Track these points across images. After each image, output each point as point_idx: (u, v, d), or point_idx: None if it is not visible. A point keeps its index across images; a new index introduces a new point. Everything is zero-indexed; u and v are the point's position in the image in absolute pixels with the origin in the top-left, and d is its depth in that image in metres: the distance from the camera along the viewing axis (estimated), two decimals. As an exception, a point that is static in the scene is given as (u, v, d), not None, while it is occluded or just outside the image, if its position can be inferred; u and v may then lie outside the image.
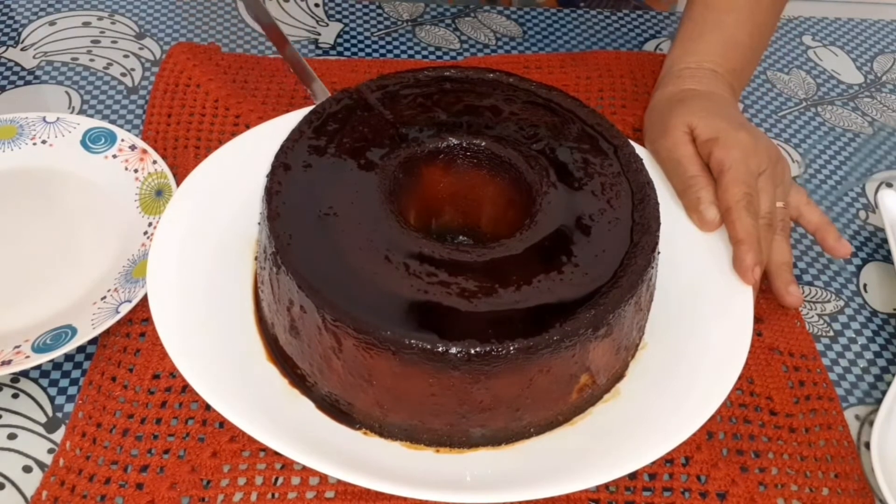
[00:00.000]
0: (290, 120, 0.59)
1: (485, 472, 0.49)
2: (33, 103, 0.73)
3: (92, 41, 0.79)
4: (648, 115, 0.68)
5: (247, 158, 0.60)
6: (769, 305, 0.61)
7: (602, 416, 0.52)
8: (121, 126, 0.71)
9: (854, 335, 0.62)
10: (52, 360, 0.55)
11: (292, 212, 0.52)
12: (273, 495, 0.50)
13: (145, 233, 0.61)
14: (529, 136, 0.57)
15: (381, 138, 0.57)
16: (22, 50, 0.78)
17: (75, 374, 0.55)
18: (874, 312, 0.63)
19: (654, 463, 0.49)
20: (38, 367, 0.55)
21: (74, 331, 0.54)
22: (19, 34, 0.79)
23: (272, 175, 0.54)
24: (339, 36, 0.82)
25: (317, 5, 0.86)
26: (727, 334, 0.54)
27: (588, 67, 0.80)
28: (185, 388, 0.54)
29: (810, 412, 0.56)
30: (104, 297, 0.57)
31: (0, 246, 0.62)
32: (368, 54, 0.80)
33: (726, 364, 0.52)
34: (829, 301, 0.64)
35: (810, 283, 0.65)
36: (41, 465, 0.51)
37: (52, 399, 0.54)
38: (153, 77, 0.76)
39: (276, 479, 0.51)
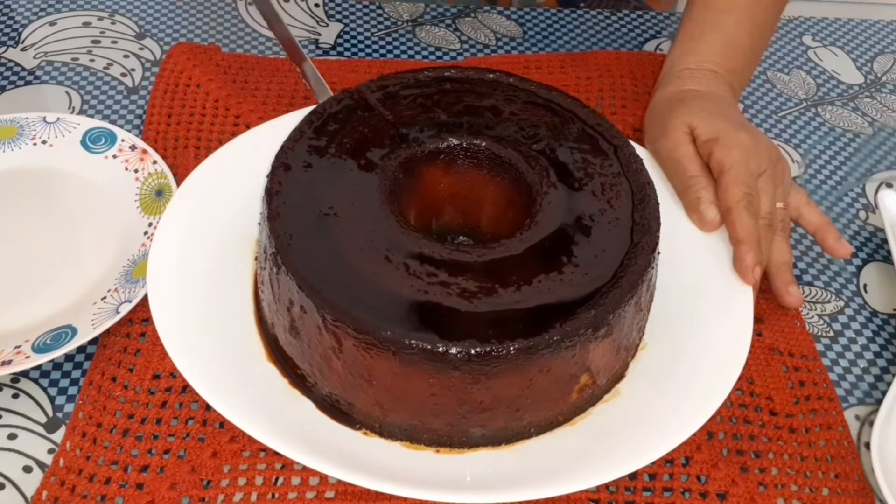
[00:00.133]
0: (290, 120, 0.60)
1: (485, 472, 0.49)
2: (33, 103, 0.73)
3: (92, 41, 0.79)
4: (649, 116, 0.68)
5: (247, 158, 0.60)
6: (769, 305, 0.61)
7: (602, 416, 0.52)
8: (121, 126, 0.71)
9: (854, 335, 0.62)
10: (52, 360, 0.55)
11: (292, 212, 0.52)
12: (273, 495, 0.50)
13: (145, 233, 0.61)
14: (529, 137, 0.57)
15: (382, 138, 0.57)
16: (22, 50, 0.78)
17: (75, 374, 0.55)
18: (874, 313, 0.63)
19: (654, 463, 0.49)
20: (39, 367, 0.55)
21: (75, 331, 0.54)
22: (19, 34, 0.79)
23: (272, 175, 0.54)
24: (339, 36, 0.82)
25: (317, 5, 0.86)
26: (727, 334, 0.54)
27: (588, 67, 0.80)
28: (185, 388, 0.54)
29: (810, 412, 0.56)
30: (104, 298, 0.57)
31: (0, 246, 0.62)
32: (368, 54, 0.80)
33: (726, 364, 0.52)
34: (829, 301, 0.64)
35: (810, 284, 0.65)
36: (41, 465, 0.51)
37: (52, 399, 0.54)
38: (153, 77, 0.76)
39: (277, 479, 0.51)
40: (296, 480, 0.51)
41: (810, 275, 0.65)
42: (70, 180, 0.66)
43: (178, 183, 0.62)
